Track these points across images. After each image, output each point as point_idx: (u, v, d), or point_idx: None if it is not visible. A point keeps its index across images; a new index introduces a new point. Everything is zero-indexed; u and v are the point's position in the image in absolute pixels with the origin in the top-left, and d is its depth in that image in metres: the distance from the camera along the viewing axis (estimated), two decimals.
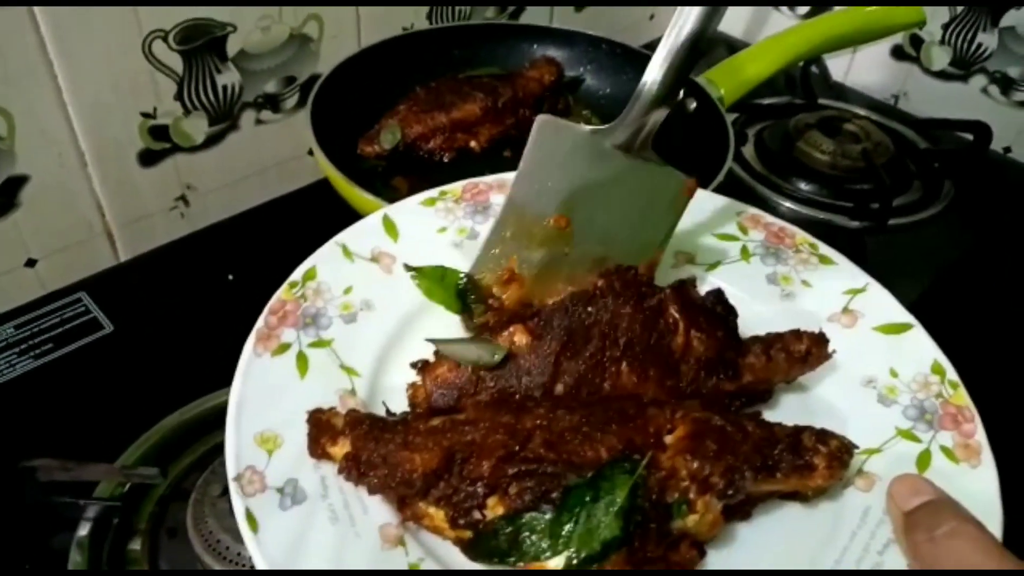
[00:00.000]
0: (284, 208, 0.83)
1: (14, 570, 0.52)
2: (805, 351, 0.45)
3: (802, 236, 0.56)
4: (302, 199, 0.84)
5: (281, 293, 0.48)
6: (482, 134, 0.77)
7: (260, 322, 0.46)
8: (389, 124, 0.75)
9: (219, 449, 0.57)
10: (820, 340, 0.46)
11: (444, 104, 0.76)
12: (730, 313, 0.47)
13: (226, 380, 0.61)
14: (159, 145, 0.75)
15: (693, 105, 0.81)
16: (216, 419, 0.59)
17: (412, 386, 0.45)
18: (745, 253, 0.55)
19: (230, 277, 0.73)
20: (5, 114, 0.64)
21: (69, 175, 0.70)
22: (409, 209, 0.55)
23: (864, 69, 1.07)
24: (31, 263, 0.72)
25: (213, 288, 0.72)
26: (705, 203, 0.58)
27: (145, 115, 0.72)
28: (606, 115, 0.84)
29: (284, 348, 0.45)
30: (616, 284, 0.47)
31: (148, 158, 0.74)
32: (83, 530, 0.52)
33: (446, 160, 0.76)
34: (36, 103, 0.65)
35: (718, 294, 0.47)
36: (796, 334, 0.46)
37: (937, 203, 0.86)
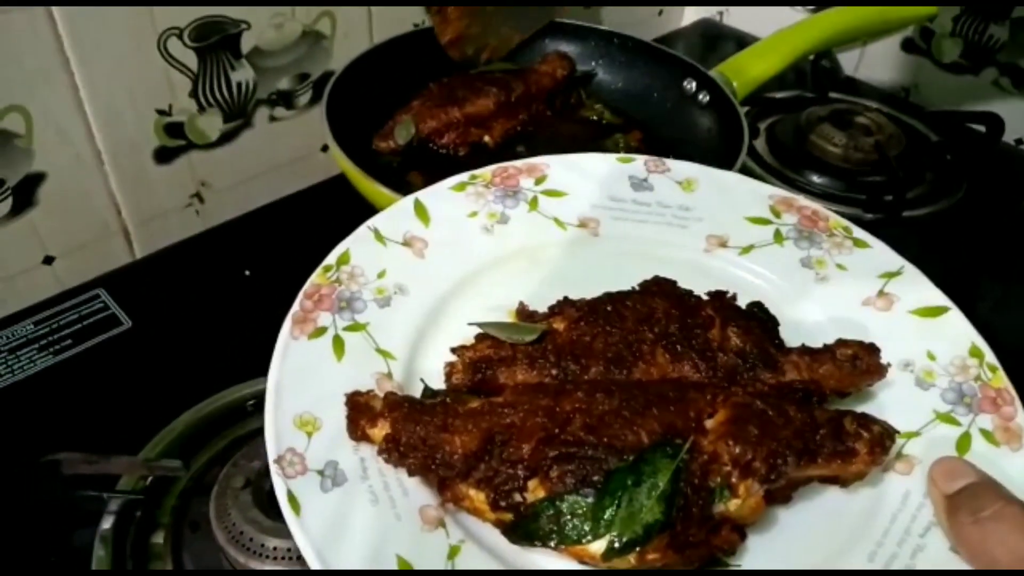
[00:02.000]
0: (298, 205, 0.83)
1: (39, 563, 0.52)
2: (852, 355, 0.44)
3: (835, 219, 0.55)
4: (315, 196, 0.85)
5: (316, 277, 0.48)
6: (496, 129, 0.77)
7: (296, 306, 0.46)
8: (403, 120, 0.75)
9: (239, 443, 0.57)
10: (870, 348, 0.45)
11: (457, 99, 0.76)
12: (771, 321, 0.47)
13: (245, 374, 0.62)
14: (174, 142, 0.75)
15: (706, 99, 0.81)
16: (235, 413, 0.60)
17: (449, 364, 0.45)
18: (778, 237, 0.54)
19: (247, 273, 0.73)
20: (23, 112, 0.64)
21: (86, 173, 0.70)
22: (440, 194, 0.55)
23: (874, 62, 1.07)
24: (48, 260, 0.72)
25: (229, 284, 0.72)
26: (735, 185, 0.57)
27: (160, 112, 0.73)
28: (619, 109, 0.84)
29: (320, 332, 0.45)
30: (653, 287, 0.47)
31: (163, 155, 0.75)
32: (106, 523, 0.53)
33: (461, 155, 0.76)
34: (53, 101, 0.66)
35: (759, 305, 0.47)
36: (843, 340, 0.45)
37: (950, 195, 0.86)
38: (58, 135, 0.67)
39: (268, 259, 0.74)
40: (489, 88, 0.77)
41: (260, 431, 0.55)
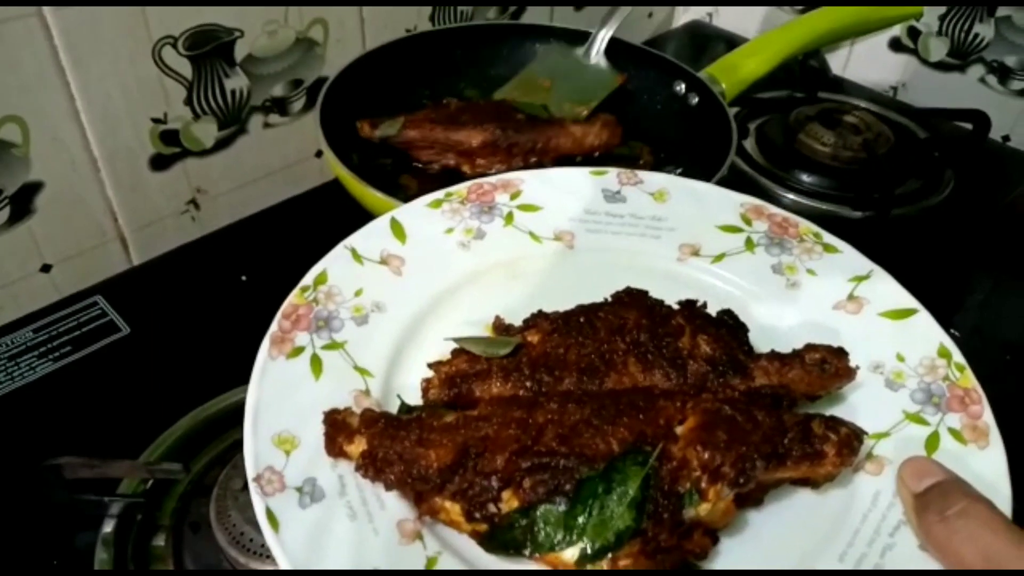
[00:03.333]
0: (292, 210, 0.84)
1: (42, 566, 0.53)
2: (820, 359, 0.45)
3: (806, 225, 0.56)
4: (310, 201, 0.85)
5: (293, 297, 0.49)
6: (479, 164, 0.75)
7: (274, 326, 0.47)
8: (396, 119, 0.75)
9: (238, 446, 0.57)
10: (838, 352, 0.45)
11: (455, 121, 0.75)
12: (740, 328, 0.47)
13: (242, 378, 0.62)
14: (169, 150, 0.76)
15: (695, 100, 0.82)
16: (233, 416, 0.60)
17: (426, 380, 0.46)
18: (749, 244, 0.55)
19: (243, 278, 0.74)
20: (19, 121, 0.65)
21: (82, 181, 0.71)
22: (416, 211, 0.55)
23: (862, 61, 1.08)
24: (46, 268, 0.73)
25: (226, 289, 0.73)
26: (707, 195, 0.58)
27: (155, 120, 0.73)
28: (606, 111, 0.85)
29: (298, 351, 0.46)
30: (625, 298, 0.48)
31: (159, 163, 0.76)
32: (108, 527, 0.53)
33: (430, 172, 0.75)
34: (49, 110, 0.66)
35: (729, 312, 0.48)
36: (811, 344, 0.46)
37: (938, 192, 0.87)
38: (54, 144, 0.68)
39: (264, 264, 0.75)
40: (488, 125, 0.74)
41: None
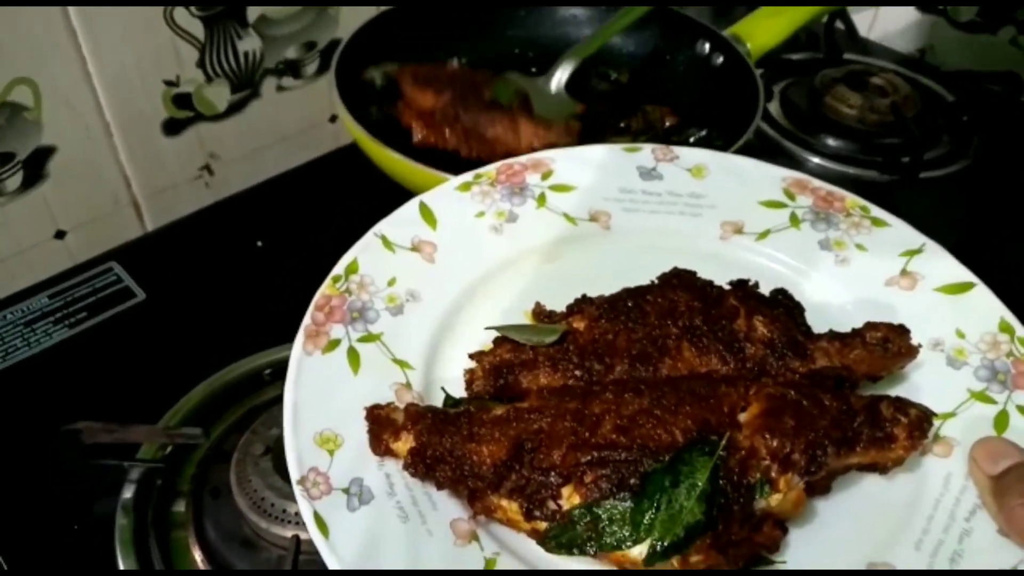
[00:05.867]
0: (307, 175, 0.83)
1: (63, 532, 0.53)
2: (882, 338, 0.43)
3: (852, 199, 0.54)
4: (324, 166, 0.84)
5: (325, 288, 0.47)
6: (417, 130, 0.69)
7: (307, 319, 0.45)
8: (393, 66, 0.73)
9: (257, 411, 0.58)
10: (900, 330, 0.44)
11: (427, 81, 0.70)
12: (796, 308, 0.46)
13: (261, 344, 0.62)
14: (182, 114, 0.74)
15: (720, 61, 0.80)
16: (252, 382, 0.60)
17: (469, 371, 0.44)
18: (794, 220, 0.53)
19: (258, 243, 0.73)
20: (31, 84, 0.64)
21: (95, 146, 0.70)
22: (445, 195, 0.53)
23: (889, 23, 1.05)
24: (60, 235, 0.72)
25: (242, 255, 0.72)
26: (747, 170, 0.56)
27: (168, 83, 0.72)
28: (630, 68, 0.83)
29: (334, 345, 0.44)
30: (673, 279, 0.46)
31: (172, 127, 0.74)
32: (127, 492, 0.53)
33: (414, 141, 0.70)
34: (61, 73, 0.66)
35: (783, 291, 0.46)
36: (871, 323, 0.44)
37: (967, 156, 0.85)
38: (67, 108, 0.67)
39: (279, 230, 0.74)
40: (445, 93, 0.69)
41: (278, 400, 0.56)
